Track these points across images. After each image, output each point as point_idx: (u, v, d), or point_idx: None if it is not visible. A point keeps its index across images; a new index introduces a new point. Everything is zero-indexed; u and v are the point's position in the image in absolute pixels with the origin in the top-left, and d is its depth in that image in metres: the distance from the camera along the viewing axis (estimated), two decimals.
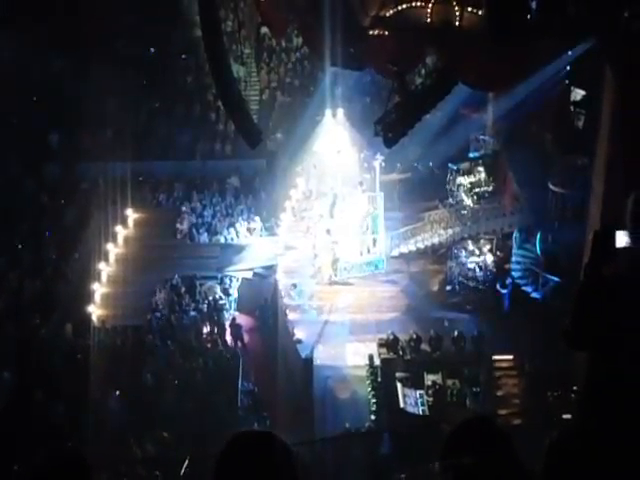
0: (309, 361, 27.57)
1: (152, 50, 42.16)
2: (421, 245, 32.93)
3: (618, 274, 3.87)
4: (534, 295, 29.44)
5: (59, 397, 25.88)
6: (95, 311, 30.66)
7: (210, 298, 32.04)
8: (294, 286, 31.48)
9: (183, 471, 21.37)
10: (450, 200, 34.20)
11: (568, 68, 30.37)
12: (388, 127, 20.61)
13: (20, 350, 27.99)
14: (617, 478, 3.45)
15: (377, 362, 27.18)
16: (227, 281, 33.15)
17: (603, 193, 23.15)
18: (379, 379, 26.81)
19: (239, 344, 30.44)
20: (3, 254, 33.08)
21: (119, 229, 35.03)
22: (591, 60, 24.97)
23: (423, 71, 29.89)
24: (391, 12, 20.24)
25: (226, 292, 32.71)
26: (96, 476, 3.73)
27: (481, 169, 34.14)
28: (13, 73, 36.17)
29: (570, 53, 27.24)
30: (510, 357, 27.47)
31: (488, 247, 32.39)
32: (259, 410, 27.41)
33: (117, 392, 26.67)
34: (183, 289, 32.34)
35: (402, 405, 25.83)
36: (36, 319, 29.64)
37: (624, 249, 3.94)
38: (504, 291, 30.32)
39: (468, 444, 3.47)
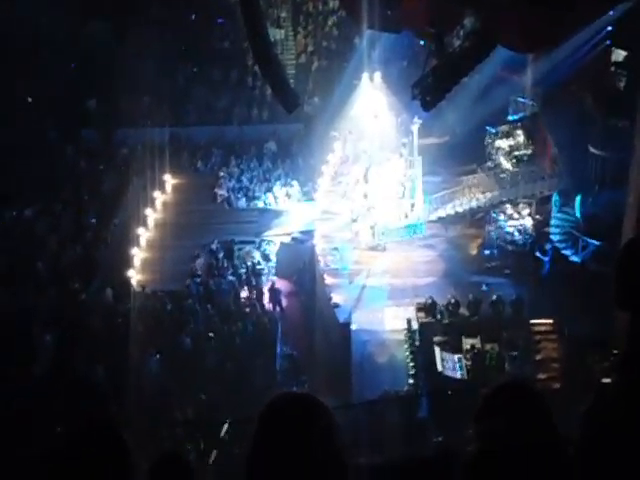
0: (347, 325, 27.65)
1: (193, 15, 42.04)
2: (459, 209, 32.78)
3: None
4: (573, 259, 29.24)
5: (100, 361, 26.17)
6: (135, 276, 30.90)
7: (248, 263, 32.18)
8: (335, 249, 31.51)
9: (223, 434, 21.61)
10: (489, 163, 33.94)
11: (609, 28, 29.87)
12: (426, 90, 20.42)
13: (61, 314, 28.31)
14: None
15: (415, 326, 27.19)
16: (265, 246, 33.25)
17: None
18: (417, 343, 26.84)
19: (277, 309, 30.57)
20: (44, 219, 33.39)
21: (157, 194, 35.21)
22: (633, 19, 24.54)
23: (461, 33, 29.51)
24: None
25: (264, 257, 32.83)
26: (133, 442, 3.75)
27: (520, 132, 33.77)
28: (51, 40, 36.28)
29: (611, 13, 26.77)
30: (549, 321, 27.33)
31: (527, 211, 32.17)
32: (298, 374, 27.55)
33: (157, 356, 26.93)
34: (222, 254, 32.49)
35: (440, 369, 25.84)
36: (76, 283, 29.94)
37: None
38: (543, 256, 30.12)
39: (501, 408, 3.45)
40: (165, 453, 4.08)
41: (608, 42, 30.99)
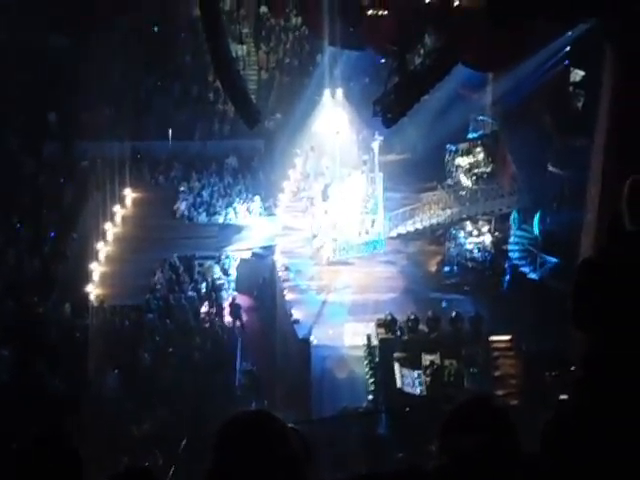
0: (307, 341, 27.63)
1: (156, 29, 41.96)
2: (419, 226, 32.93)
3: (619, 255, 3.88)
4: (532, 276, 29.48)
5: (57, 375, 25.92)
6: (93, 290, 30.67)
7: (208, 278, 32.06)
8: (286, 268, 31.56)
9: (181, 450, 21.48)
10: (449, 181, 34.16)
11: (568, 48, 30.28)
12: (387, 107, 20.58)
13: (19, 328, 28.00)
14: (614, 457, 3.46)
15: (375, 342, 27.22)
16: (225, 261, 33.15)
17: (602, 174, 23.12)
18: (377, 359, 26.87)
19: (237, 324, 30.47)
20: (2, 233, 33.05)
21: (117, 209, 35.01)
22: (591, 40, 24.87)
23: (422, 51, 29.76)
24: None
25: (224, 272, 32.73)
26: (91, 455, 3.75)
27: (480, 150, 34.07)
28: (11, 51, 36.02)
29: (570, 33, 27.15)
30: (508, 337, 27.51)
31: (486, 228, 32.41)
32: (257, 389, 27.45)
33: (115, 371, 26.71)
34: (181, 269, 32.35)
35: (400, 385, 25.90)
36: (35, 297, 29.64)
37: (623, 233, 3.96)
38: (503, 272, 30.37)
39: (467, 424, 3.48)
40: (130, 467, 4.07)
41: (566, 62, 31.40)
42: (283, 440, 3.30)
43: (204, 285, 31.75)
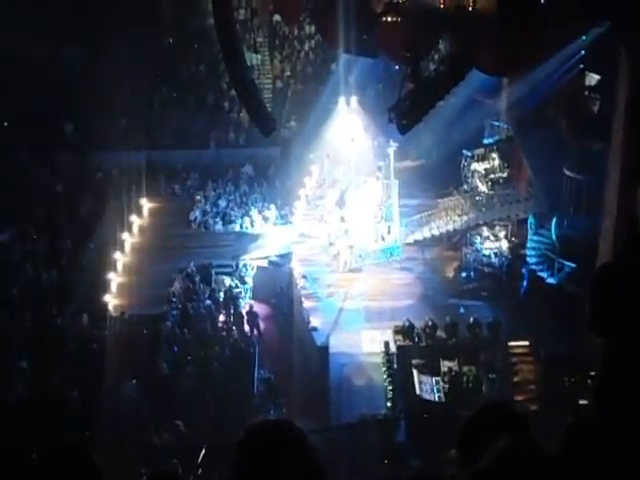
0: (325, 349, 27.62)
1: (170, 40, 42.13)
2: (436, 232, 32.89)
3: (637, 261, 3.85)
4: (549, 281, 29.37)
5: (76, 386, 25.97)
6: (111, 301, 30.75)
7: (225, 287, 32.09)
8: (303, 276, 31.57)
9: (200, 459, 21.49)
10: (465, 186, 34.13)
11: (582, 53, 30.21)
12: (402, 114, 20.55)
13: (37, 340, 28.10)
14: (635, 462, 3.44)
15: (393, 349, 27.18)
16: (242, 269, 33.19)
17: (619, 178, 23.01)
18: (395, 366, 26.82)
19: (255, 332, 30.48)
20: (19, 244, 33.19)
21: (134, 218, 35.13)
22: (606, 44, 24.80)
23: (436, 57, 29.75)
24: None
25: (242, 280, 32.77)
26: (107, 466, 3.76)
27: (495, 155, 34.03)
28: (28, 61, 36.22)
29: (584, 37, 27.09)
30: (526, 343, 27.42)
31: (503, 233, 32.35)
32: (275, 398, 27.44)
33: (134, 381, 26.75)
34: (199, 278, 32.40)
35: (418, 392, 25.84)
36: (52, 309, 29.74)
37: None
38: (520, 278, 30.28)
39: (486, 430, 3.46)
40: (156, 471, 4.08)
41: (581, 66, 31.33)
42: (303, 450, 3.29)
43: (221, 294, 31.79)
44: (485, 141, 34.58)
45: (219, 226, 36.04)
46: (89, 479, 3.63)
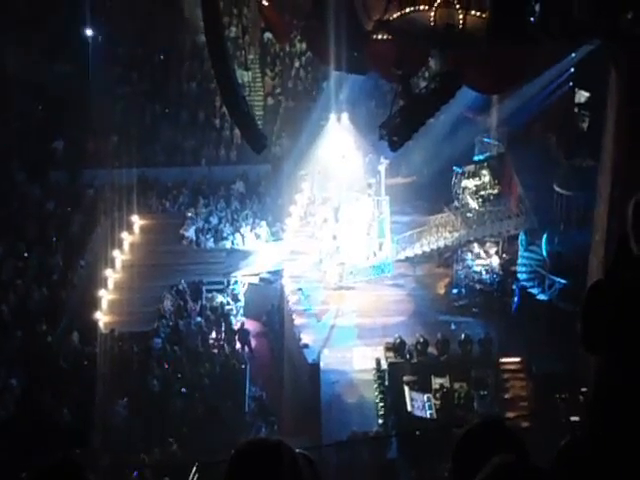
0: (316, 366, 27.56)
1: (161, 56, 42.21)
2: (427, 248, 32.92)
3: (628, 278, 3.87)
4: (540, 297, 29.41)
5: (66, 404, 25.87)
6: (102, 318, 30.68)
7: (217, 304, 32.05)
8: (300, 290, 31.51)
9: (191, 477, 21.36)
10: (455, 203, 34.20)
11: (572, 70, 30.39)
12: (393, 131, 20.59)
13: (27, 357, 28.00)
14: None
15: (384, 366, 27.16)
16: (234, 286, 33.17)
17: (609, 195, 23.12)
18: (386, 383, 26.80)
19: (246, 349, 30.44)
20: (10, 261, 33.11)
21: (125, 235, 35.09)
22: (595, 62, 24.96)
23: (427, 74, 29.88)
24: (395, 16, 20.23)
25: (233, 297, 32.74)
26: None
27: (486, 172, 34.14)
28: (18, 79, 36.25)
29: (574, 55, 27.25)
30: (517, 359, 27.44)
31: (494, 250, 32.39)
32: (266, 415, 27.40)
33: (124, 398, 26.66)
34: (189, 295, 32.35)
35: (409, 409, 25.81)
36: (43, 326, 29.65)
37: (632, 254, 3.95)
38: (511, 294, 30.33)
39: (478, 447, 3.46)
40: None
41: (571, 84, 31.51)
42: (294, 469, 3.29)
43: (212, 311, 31.74)
44: (475, 158, 34.69)
45: (210, 243, 36.01)
46: None
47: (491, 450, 3.26)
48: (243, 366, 28.99)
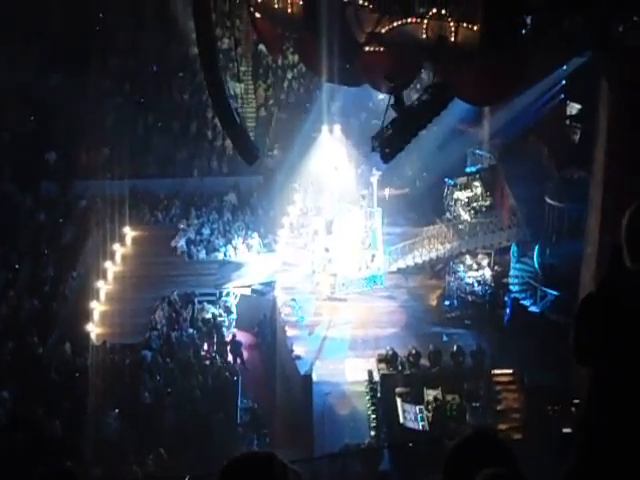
0: (308, 377, 27.53)
1: (154, 68, 42.23)
2: (419, 260, 32.95)
3: (620, 290, 3.87)
4: (532, 309, 29.45)
5: (58, 416, 25.75)
6: (94, 329, 30.61)
7: (208, 315, 31.99)
8: (293, 300, 31.50)
9: None
10: (447, 215, 34.26)
11: (563, 82, 30.50)
12: (385, 142, 20.63)
13: (18, 369, 27.89)
14: None
15: (376, 378, 27.14)
16: (226, 298, 33.12)
17: (601, 206, 23.19)
18: (379, 395, 26.77)
19: (238, 361, 30.37)
20: (1, 272, 33.02)
21: (117, 247, 35.03)
22: (586, 74, 25.06)
23: (419, 86, 29.97)
24: (387, 28, 20.29)
25: (225, 309, 32.68)
26: None
27: (478, 184, 34.23)
28: (10, 91, 36.22)
29: (565, 67, 27.36)
30: (509, 371, 27.45)
31: (486, 261, 32.43)
32: (258, 427, 27.31)
33: (116, 410, 26.57)
34: (181, 306, 32.29)
35: (402, 421, 25.78)
36: (34, 337, 29.54)
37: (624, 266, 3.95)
38: (503, 306, 30.36)
39: (469, 459, 3.46)
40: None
41: (562, 96, 31.61)
42: None
43: (204, 323, 31.68)
44: (467, 170, 34.79)
45: (202, 254, 35.98)
46: None
47: (482, 462, 3.26)
48: (235, 378, 28.91)
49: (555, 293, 28.36)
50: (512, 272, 31.18)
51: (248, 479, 3.27)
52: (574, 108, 32.18)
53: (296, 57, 39.33)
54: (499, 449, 3.53)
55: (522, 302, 29.86)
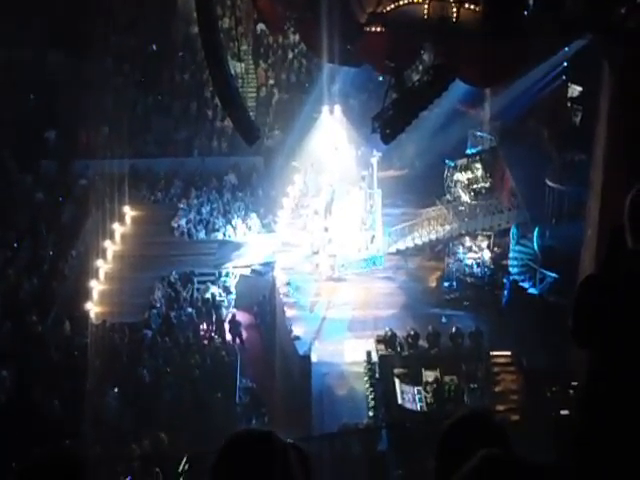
0: (307, 358, 27.58)
1: (154, 47, 42.07)
2: (419, 241, 32.95)
3: (620, 272, 3.87)
4: (531, 291, 29.48)
5: (57, 395, 25.83)
6: (93, 308, 30.64)
7: (208, 295, 32.02)
8: (288, 284, 31.53)
9: (181, 468, 21.38)
10: (448, 196, 34.21)
11: (565, 64, 30.39)
12: (385, 123, 20.60)
13: (18, 348, 27.94)
14: (618, 473, 3.46)
15: (375, 358, 27.17)
16: (225, 278, 33.14)
17: (602, 189, 23.15)
18: (377, 375, 26.81)
19: (237, 341, 30.43)
20: (0, 251, 33.01)
21: (116, 226, 35.01)
22: (588, 56, 24.97)
23: (420, 67, 29.86)
24: (388, 8, 20.21)
25: (224, 289, 32.70)
26: (92, 474, 3.70)
27: (478, 165, 34.15)
28: (10, 69, 36.11)
29: (567, 49, 27.25)
30: (508, 353, 27.48)
31: (486, 243, 32.43)
32: (257, 407, 27.38)
33: (115, 389, 26.64)
34: (180, 286, 32.32)
35: (400, 401, 25.83)
36: (33, 316, 29.58)
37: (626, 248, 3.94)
38: (502, 288, 30.39)
39: (463, 440, 3.46)
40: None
41: (564, 78, 31.51)
42: (285, 462, 3.28)
43: (203, 302, 31.71)
44: (468, 151, 34.70)
45: (202, 234, 35.98)
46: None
47: (475, 443, 3.25)
48: (234, 358, 28.97)
49: (554, 275, 28.38)
50: (511, 254, 31.18)
51: (248, 456, 3.27)
52: (575, 90, 32.07)
53: (297, 37, 39.18)
54: (493, 430, 3.53)
55: (521, 284, 29.89)
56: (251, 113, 32.50)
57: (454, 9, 18.90)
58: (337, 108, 34.33)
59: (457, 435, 3.54)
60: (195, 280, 32.79)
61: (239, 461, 3.25)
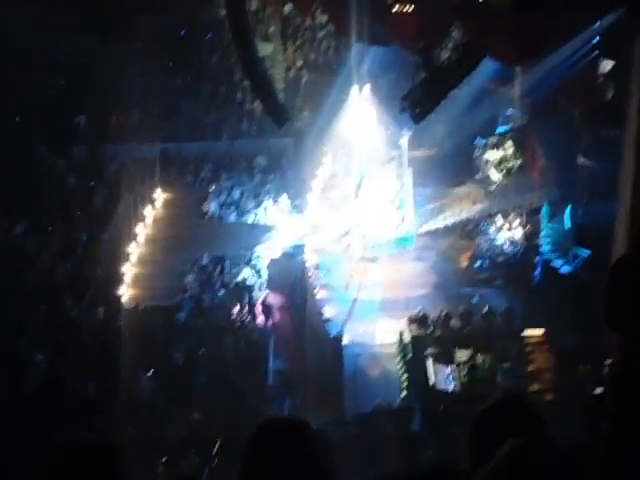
0: (338, 339, 27.61)
1: (183, 32, 42.08)
2: (449, 221, 32.80)
3: None
4: (564, 269, 29.28)
5: (91, 378, 26.07)
6: (126, 292, 30.85)
7: (239, 278, 32.12)
8: (316, 266, 31.55)
9: (215, 451, 21.56)
10: (478, 175, 34.01)
11: (597, 39, 30.02)
12: (415, 103, 20.49)
13: (52, 332, 28.20)
14: None
15: (407, 339, 27.14)
16: (256, 260, 33.20)
17: (634, 166, 22.88)
18: (409, 356, 26.79)
19: (269, 323, 30.52)
20: (34, 236, 33.29)
21: (148, 210, 35.18)
22: (621, 31, 24.63)
23: (449, 46, 29.64)
24: None
25: (255, 271, 32.78)
26: (127, 458, 3.71)
27: (509, 143, 33.87)
28: (40, 53, 36.26)
29: (599, 24, 26.91)
30: (541, 332, 27.33)
31: (517, 222, 32.23)
32: (289, 388, 27.48)
33: (149, 372, 26.83)
34: (212, 269, 32.44)
35: (433, 381, 25.80)
36: (67, 301, 29.84)
37: None
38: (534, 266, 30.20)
39: (498, 423, 3.43)
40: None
41: (596, 52, 31.13)
42: (313, 452, 3.27)
43: (235, 285, 31.82)
44: (499, 129, 34.42)
45: (232, 217, 36.04)
46: (109, 468, 3.60)
47: (510, 428, 3.22)
48: (266, 340, 29.08)
49: (587, 252, 28.16)
50: (543, 232, 30.98)
51: (278, 444, 3.26)
52: (608, 65, 31.67)
53: (325, 17, 39.02)
54: (528, 414, 3.49)
55: (553, 262, 29.70)
56: (280, 95, 32.45)
57: None
58: (366, 88, 34.14)
59: (491, 420, 3.51)
60: (227, 263, 32.87)
61: (271, 451, 3.25)
